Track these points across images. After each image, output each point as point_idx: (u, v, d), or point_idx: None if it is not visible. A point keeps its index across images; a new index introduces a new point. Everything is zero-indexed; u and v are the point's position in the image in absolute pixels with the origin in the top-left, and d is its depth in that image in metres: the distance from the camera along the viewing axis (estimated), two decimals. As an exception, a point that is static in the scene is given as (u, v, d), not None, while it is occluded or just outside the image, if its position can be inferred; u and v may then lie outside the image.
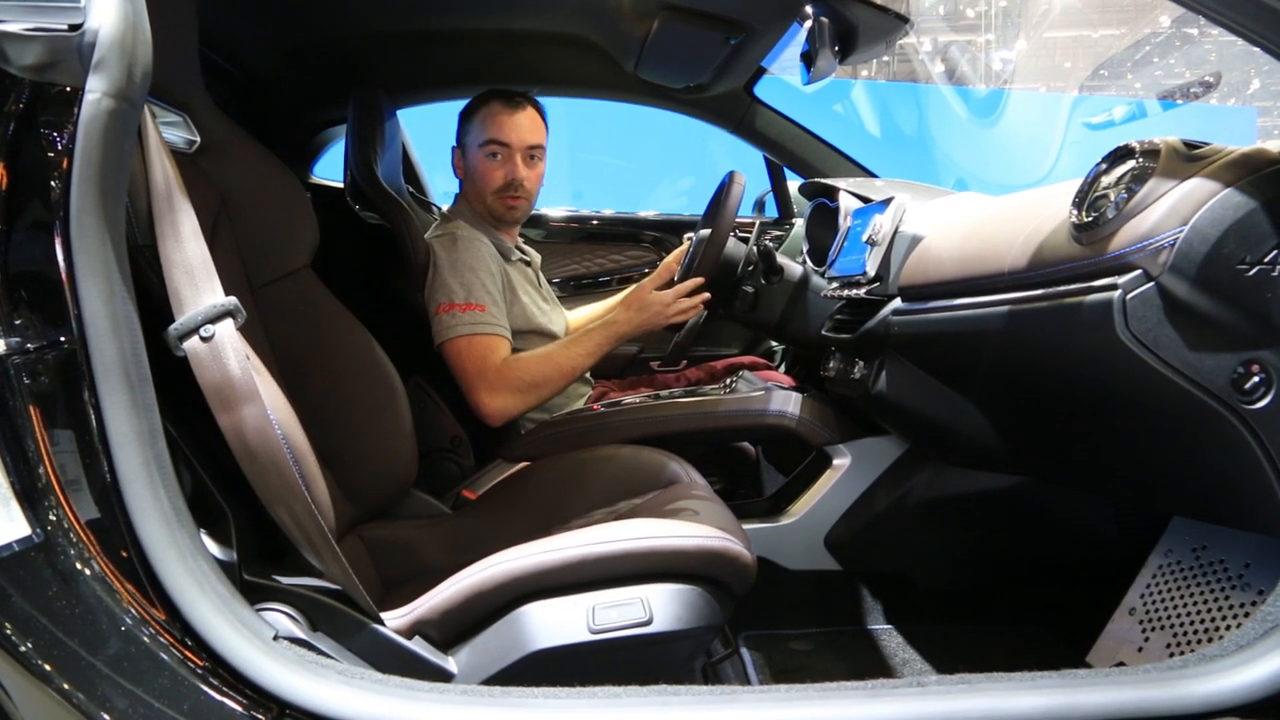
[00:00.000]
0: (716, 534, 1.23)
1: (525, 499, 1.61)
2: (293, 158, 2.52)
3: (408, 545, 1.47)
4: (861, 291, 1.82)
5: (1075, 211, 1.18)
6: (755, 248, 2.17)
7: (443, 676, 1.09)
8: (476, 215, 2.06)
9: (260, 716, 0.84)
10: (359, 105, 2.10)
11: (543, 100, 2.10)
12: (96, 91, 0.83)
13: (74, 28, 0.82)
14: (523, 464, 1.84)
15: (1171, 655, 1.28)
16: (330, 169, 2.78)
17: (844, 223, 2.00)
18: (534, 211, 2.33)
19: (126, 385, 0.85)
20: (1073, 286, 1.16)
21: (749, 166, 2.58)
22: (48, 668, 0.80)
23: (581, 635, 1.12)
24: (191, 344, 0.93)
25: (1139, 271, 1.07)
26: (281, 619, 1.00)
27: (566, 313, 2.33)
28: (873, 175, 2.60)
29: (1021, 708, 0.89)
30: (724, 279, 2.17)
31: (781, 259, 2.19)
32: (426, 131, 2.86)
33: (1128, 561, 1.44)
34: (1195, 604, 1.29)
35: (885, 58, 8.04)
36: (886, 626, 1.90)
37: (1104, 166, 1.18)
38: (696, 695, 0.91)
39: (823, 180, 2.23)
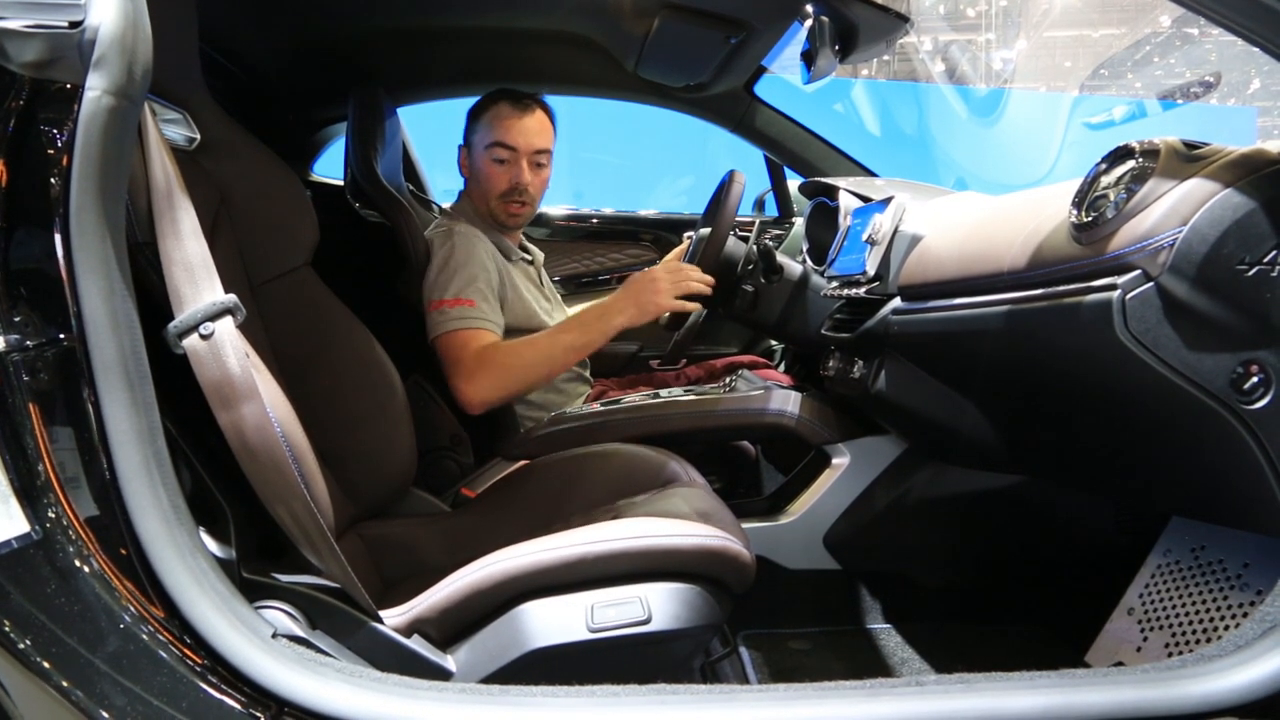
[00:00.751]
0: (715, 533, 1.23)
1: (524, 497, 1.61)
2: (293, 156, 2.52)
3: (407, 544, 1.47)
4: (861, 291, 1.82)
5: (1075, 211, 1.18)
6: (755, 246, 2.17)
7: (441, 675, 1.09)
8: (478, 215, 2.06)
9: (259, 714, 0.85)
10: (359, 103, 2.10)
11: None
12: (97, 89, 0.83)
13: (74, 25, 0.82)
14: (522, 462, 1.84)
15: (1170, 655, 1.28)
16: (330, 167, 2.78)
17: (844, 222, 2.00)
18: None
19: (126, 383, 0.85)
20: (1072, 286, 1.16)
21: (749, 165, 2.58)
22: (46, 665, 0.81)
23: (580, 634, 1.12)
24: (191, 342, 0.92)
25: (1138, 272, 1.07)
26: (280, 617, 1.00)
27: (568, 310, 2.33)
28: (873, 174, 2.60)
29: (1020, 707, 0.89)
30: (724, 278, 2.17)
31: (781, 258, 2.19)
32: (427, 131, 2.86)
33: (1126, 561, 1.44)
34: (1194, 604, 1.29)
35: (885, 57, 8.05)
36: (885, 626, 1.90)
37: (1104, 166, 1.18)
38: (695, 694, 0.91)
39: (823, 179, 2.23)
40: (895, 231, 1.75)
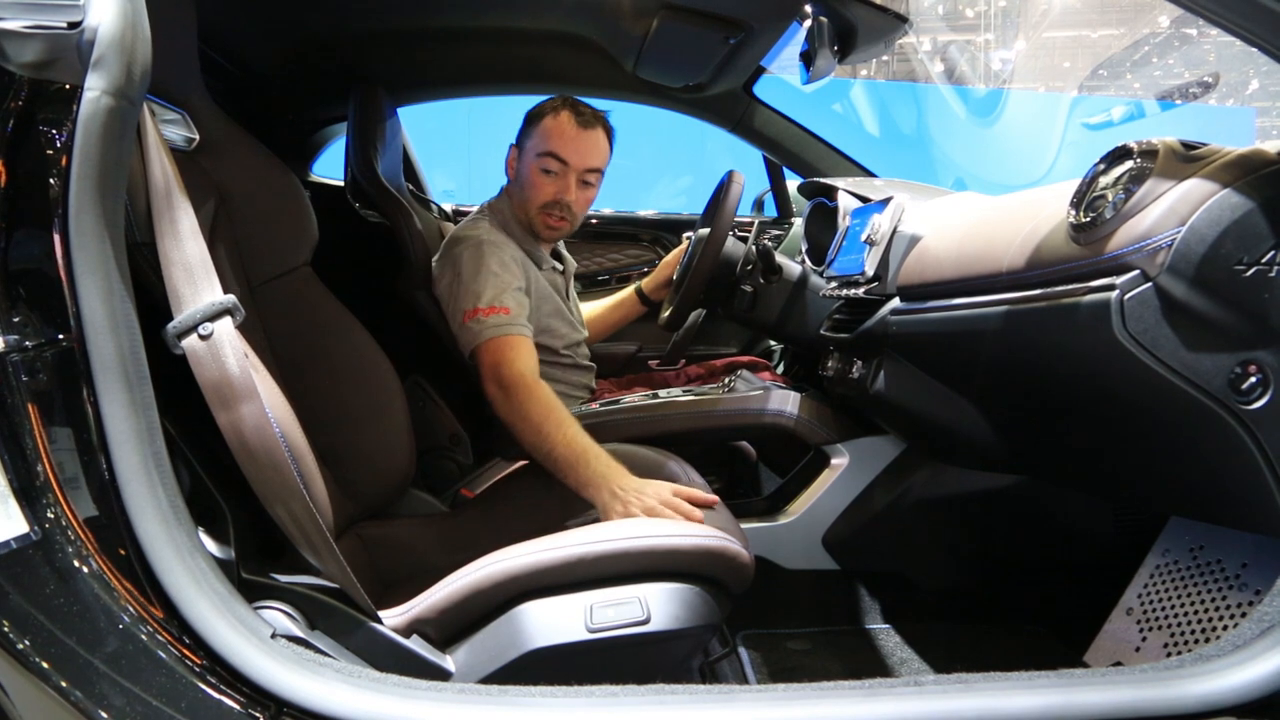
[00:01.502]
0: (714, 533, 1.24)
1: (523, 498, 1.61)
2: (292, 156, 2.53)
3: (406, 544, 1.47)
4: (860, 291, 1.82)
5: (1073, 212, 1.18)
6: (754, 247, 2.17)
7: (440, 675, 1.09)
8: (514, 219, 1.99)
9: (258, 714, 0.85)
10: (359, 103, 2.10)
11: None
12: (95, 89, 0.83)
13: (73, 25, 0.82)
14: (521, 462, 1.84)
15: (1169, 655, 1.29)
16: (330, 167, 2.78)
17: (843, 222, 2.00)
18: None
19: (125, 383, 0.85)
20: (1070, 287, 1.16)
21: (748, 166, 2.58)
22: (45, 665, 0.81)
23: (579, 634, 1.12)
24: (190, 342, 0.93)
25: (1136, 272, 1.07)
26: (279, 617, 1.00)
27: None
28: (871, 175, 2.60)
29: (1019, 707, 0.89)
30: (723, 278, 2.17)
31: (780, 258, 2.19)
32: (427, 131, 2.86)
33: (1125, 561, 1.44)
34: (1192, 604, 1.29)
35: (884, 57, 8.05)
36: (884, 626, 1.90)
37: (1102, 167, 1.18)
38: (694, 694, 0.91)
39: (822, 180, 2.23)
40: (894, 232, 1.75)
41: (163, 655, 0.84)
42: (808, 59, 1.91)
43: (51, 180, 0.84)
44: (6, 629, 0.80)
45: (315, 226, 1.46)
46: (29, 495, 0.83)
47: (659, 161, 6.45)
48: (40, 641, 0.81)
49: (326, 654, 0.98)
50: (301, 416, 1.27)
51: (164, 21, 0.94)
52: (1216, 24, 1.00)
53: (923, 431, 1.84)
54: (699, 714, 0.88)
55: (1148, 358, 1.07)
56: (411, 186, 2.56)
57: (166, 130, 1.25)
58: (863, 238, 1.79)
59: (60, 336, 0.85)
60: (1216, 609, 1.25)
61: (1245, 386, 1.05)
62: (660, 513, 1.36)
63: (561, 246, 2.17)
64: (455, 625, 1.15)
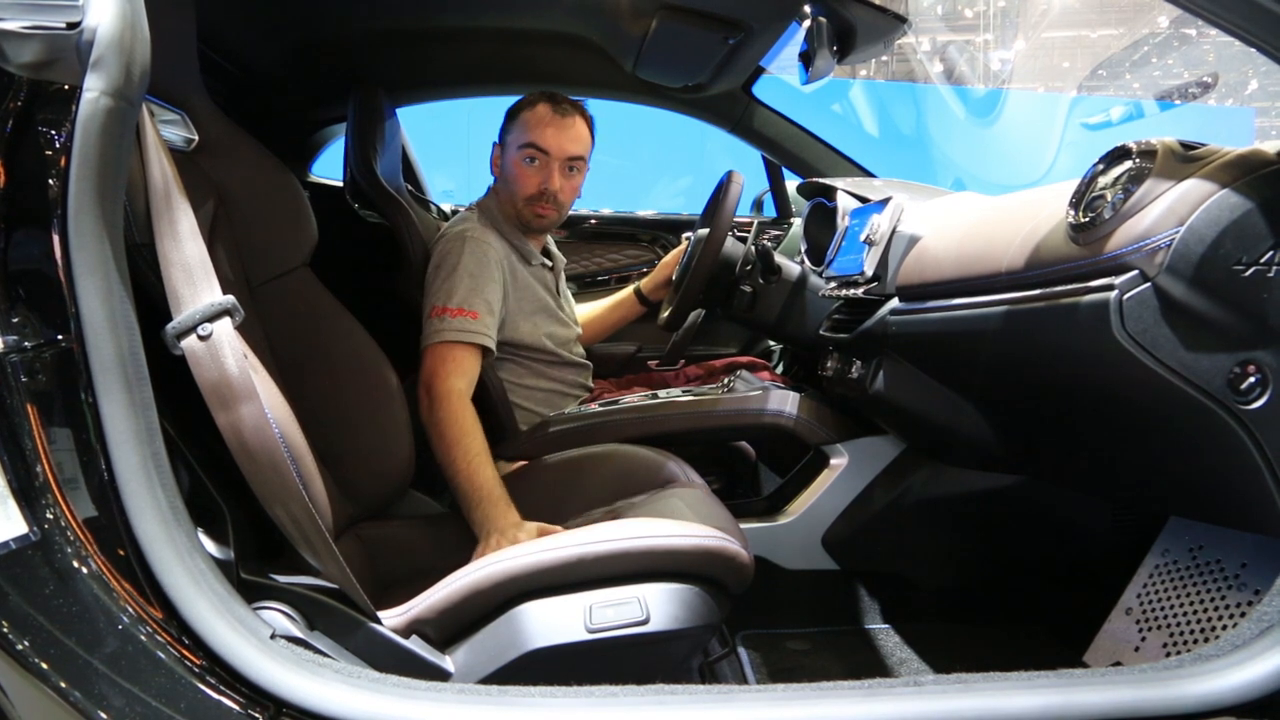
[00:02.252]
0: (714, 533, 1.24)
1: (522, 498, 1.61)
2: (291, 156, 2.53)
3: (405, 544, 1.47)
4: (859, 291, 1.82)
5: (1072, 212, 1.18)
6: (753, 247, 2.17)
7: (440, 675, 1.09)
8: (503, 216, 2.00)
9: (257, 715, 0.85)
10: (359, 104, 2.10)
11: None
12: (94, 90, 0.83)
13: (72, 26, 0.82)
14: (520, 463, 1.84)
15: (1168, 655, 1.29)
16: (329, 167, 2.78)
17: (842, 222, 2.01)
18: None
19: (124, 384, 0.85)
20: (1069, 287, 1.16)
21: (747, 166, 2.58)
22: (45, 666, 0.80)
23: (579, 634, 1.12)
24: (189, 343, 0.93)
25: (1135, 272, 1.07)
26: (279, 618, 1.00)
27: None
28: (871, 175, 2.60)
29: (1018, 707, 0.89)
30: (722, 278, 2.17)
31: (779, 258, 2.19)
32: (428, 129, 2.86)
33: (1124, 561, 1.44)
34: (1192, 604, 1.29)
35: (884, 57, 8.06)
36: (883, 626, 1.90)
37: (1101, 167, 1.18)
38: (693, 694, 0.91)
39: (821, 180, 2.23)
40: (893, 232, 1.75)
41: (162, 656, 0.84)
42: (807, 59, 1.91)
43: (50, 181, 0.84)
44: (6, 630, 0.80)
45: (314, 227, 1.46)
46: (28, 496, 0.83)
47: (658, 162, 6.45)
48: (40, 642, 0.81)
49: (326, 654, 0.98)
50: (301, 417, 1.27)
51: (163, 22, 0.94)
52: (1216, 25, 1.00)
53: (922, 432, 1.84)
54: (699, 714, 0.88)
55: (1147, 358, 1.07)
56: (411, 187, 2.56)
57: (166, 130, 1.25)
58: (862, 238, 1.79)
59: (59, 337, 0.85)
60: (1216, 609, 1.25)
61: (1244, 386, 1.05)
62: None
63: (551, 244, 2.17)
64: (455, 625, 1.15)
